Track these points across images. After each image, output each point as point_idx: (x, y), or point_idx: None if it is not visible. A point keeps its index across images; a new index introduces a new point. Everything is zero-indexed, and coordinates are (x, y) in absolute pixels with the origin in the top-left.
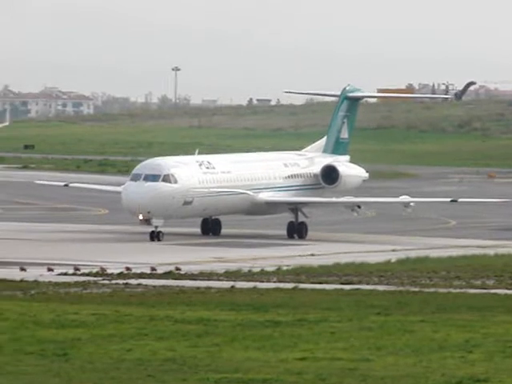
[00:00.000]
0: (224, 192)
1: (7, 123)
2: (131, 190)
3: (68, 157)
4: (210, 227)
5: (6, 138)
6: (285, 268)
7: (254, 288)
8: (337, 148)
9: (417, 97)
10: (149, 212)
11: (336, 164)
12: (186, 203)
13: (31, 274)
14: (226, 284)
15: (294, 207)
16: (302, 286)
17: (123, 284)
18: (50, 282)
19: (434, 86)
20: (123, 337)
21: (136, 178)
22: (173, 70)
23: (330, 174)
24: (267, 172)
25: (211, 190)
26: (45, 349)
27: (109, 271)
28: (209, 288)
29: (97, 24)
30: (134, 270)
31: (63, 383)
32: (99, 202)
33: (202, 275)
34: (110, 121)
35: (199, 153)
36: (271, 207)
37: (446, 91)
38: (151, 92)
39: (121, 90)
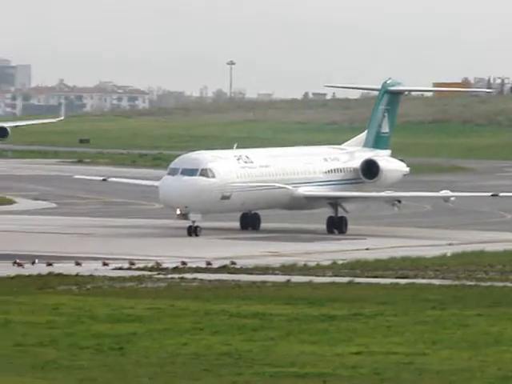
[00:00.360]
0: (262, 186)
1: (62, 117)
2: (168, 184)
3: (123, 151)
4: (249, 222)
5: (61, 132)
6: (340, 262)
7: (310, 282)
8: (377, 142)
9: (459, 91)
10: (186, 207)
11: (376, 158)
12: (224, 198)
13: (86, 269)
14: (282, 278)
15: (334, 202)
16: (357, 280)
17: (179, 278)
18: (105, 276)
19: (489, 80)
20: (179, 331)
21: (173, 172)
22: (228, 64)
23: (370, 169)
24: (306, 166)
25: (249, 184)
26: (100, 343)
27: (164, 265)
28: (264, 282)
29: (152, 18)
30: (189, 265)
31: (118, 378)
32: (153, 197)
33: (258, 269)
34: (165, 115)
35: (237, 147)
36: (310, 202)
37: (502, 85)
38: (206, 86)
39: (176, 84)
